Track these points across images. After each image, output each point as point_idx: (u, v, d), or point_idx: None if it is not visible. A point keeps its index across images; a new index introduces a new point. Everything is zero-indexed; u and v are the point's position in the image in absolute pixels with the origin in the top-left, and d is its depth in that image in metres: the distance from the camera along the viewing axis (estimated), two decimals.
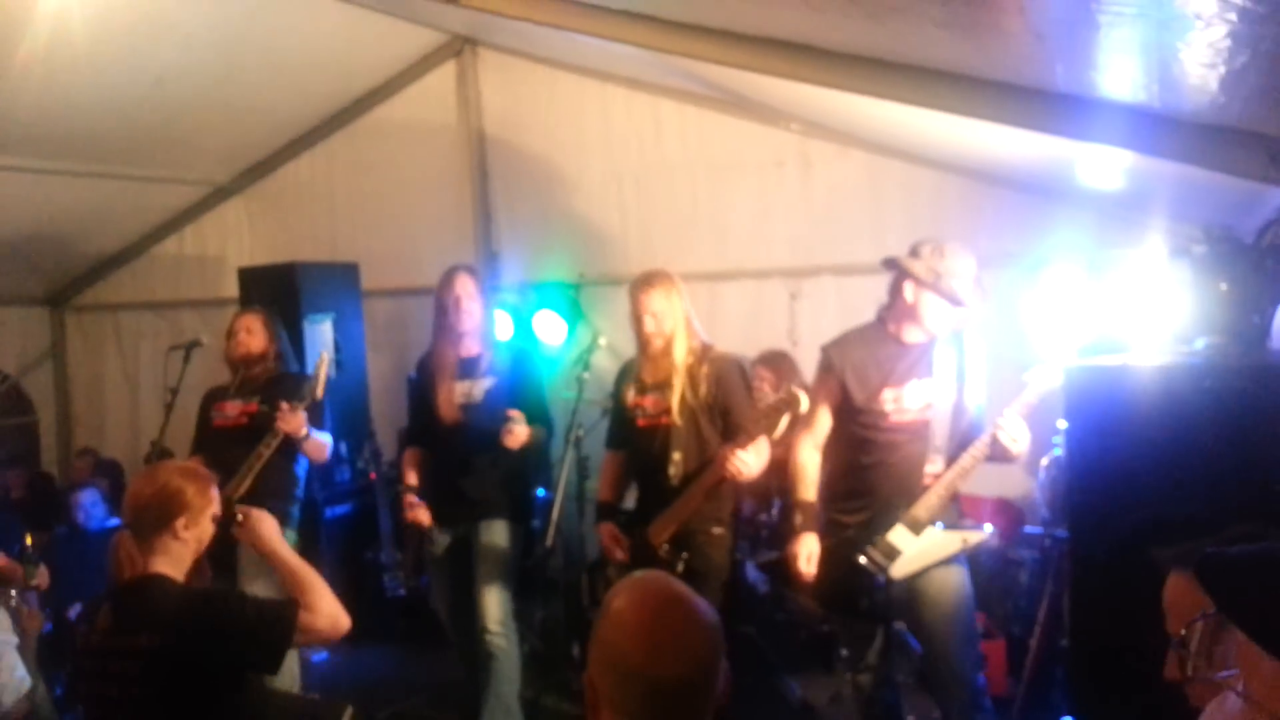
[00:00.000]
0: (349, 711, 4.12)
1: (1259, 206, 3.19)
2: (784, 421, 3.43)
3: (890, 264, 3.50)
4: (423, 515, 4.20)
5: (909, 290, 3.42)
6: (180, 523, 2.50)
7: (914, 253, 3.44)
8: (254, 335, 4.52)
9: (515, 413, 3.97)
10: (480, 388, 4.21)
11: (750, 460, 3.53)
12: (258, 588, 4.16)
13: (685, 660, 1.45)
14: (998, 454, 3.34)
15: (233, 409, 4.45)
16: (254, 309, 4.74)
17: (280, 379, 4.48)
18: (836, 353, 3.59)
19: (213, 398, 4.57)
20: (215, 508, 2.61)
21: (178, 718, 2.38)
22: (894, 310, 3.52)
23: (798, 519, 3.52)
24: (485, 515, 4.17)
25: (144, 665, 2.35)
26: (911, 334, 3.48)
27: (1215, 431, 2.83)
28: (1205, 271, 3.09)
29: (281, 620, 2.43)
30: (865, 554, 3.38)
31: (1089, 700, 3.24)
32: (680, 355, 3.75)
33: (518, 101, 6.40)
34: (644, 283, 3.80)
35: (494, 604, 4.07)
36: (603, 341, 4.43)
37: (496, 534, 4.16)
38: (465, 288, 4.18)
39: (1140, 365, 3.07)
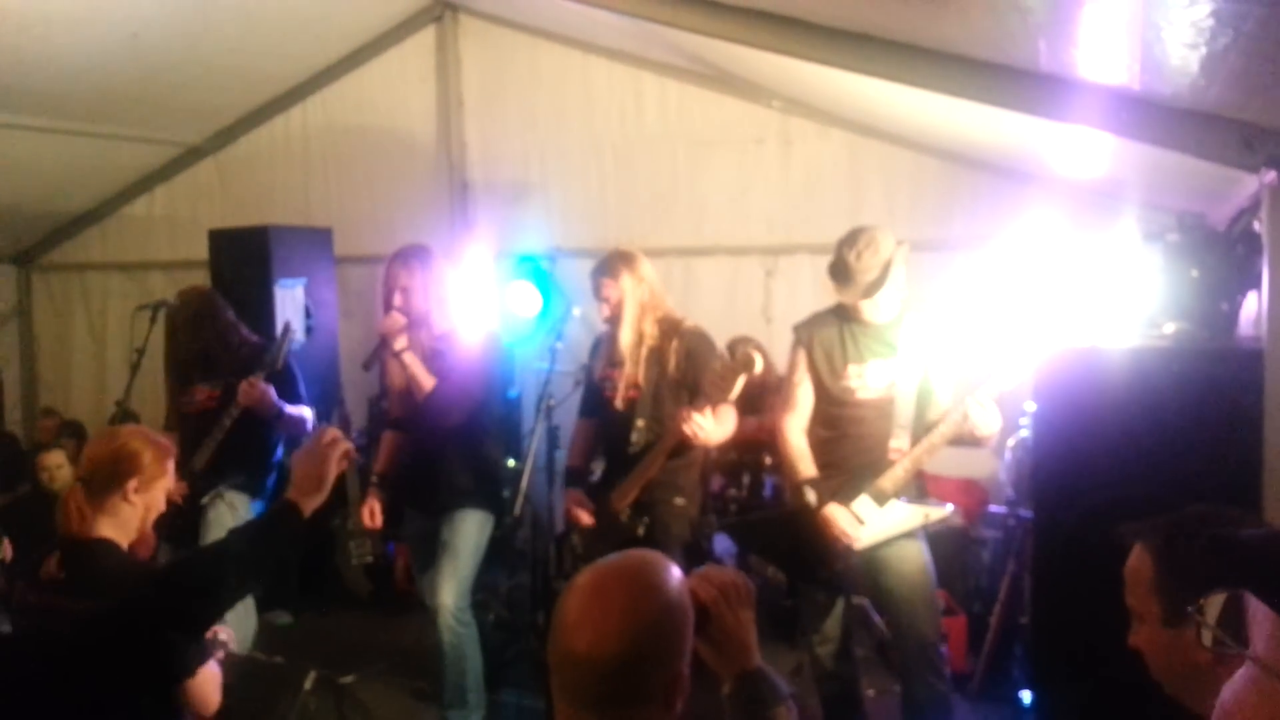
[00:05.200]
0: (313, 675, 4.12)
1: (1232, 194, 3.23)
2: (739, 383, 3.45)
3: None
4: (368, 517, 4.14)
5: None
6: (132, 485, 2.46)
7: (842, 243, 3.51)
8: (204, 326, 4.40)
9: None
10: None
11: (707, 423, 3.53)
12: None
13: (598, 640, 1.40)
14: (966, 436, 3.38)
15: (200, 394, 4.39)
16: (191, 295, 4.59)
17: (241, 356, 4.37)
18: (805, 332, 3.66)
19: (178, 382, 4.50)
20: (170, 480, 2.56)
21: (115, 685, 2.34)
22: None
23: (810, 497, 3.49)
24: (455, 506, 4.09)
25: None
26: (870, 314, 3.51)
27: (1181, 415, 2.87)
28: (1177, 258, 3.12)
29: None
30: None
31: (1047, 676, 3.30)
32: (627, 338, 3.77)
33: (498, 69, 6.35)
34: (597, 269, 3.85)
35: (451, 594, 4.01)
36: (576, 312, 4.42)
37: (462, 526, 4.07)
38: (399, 280, 3.97)
39: (1109, 349, 3.11)
